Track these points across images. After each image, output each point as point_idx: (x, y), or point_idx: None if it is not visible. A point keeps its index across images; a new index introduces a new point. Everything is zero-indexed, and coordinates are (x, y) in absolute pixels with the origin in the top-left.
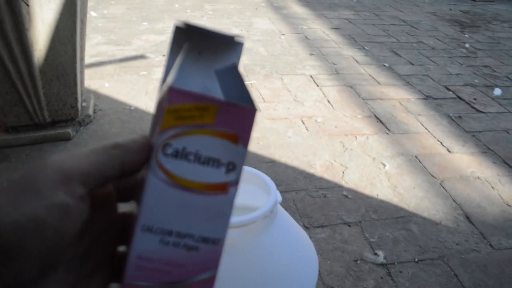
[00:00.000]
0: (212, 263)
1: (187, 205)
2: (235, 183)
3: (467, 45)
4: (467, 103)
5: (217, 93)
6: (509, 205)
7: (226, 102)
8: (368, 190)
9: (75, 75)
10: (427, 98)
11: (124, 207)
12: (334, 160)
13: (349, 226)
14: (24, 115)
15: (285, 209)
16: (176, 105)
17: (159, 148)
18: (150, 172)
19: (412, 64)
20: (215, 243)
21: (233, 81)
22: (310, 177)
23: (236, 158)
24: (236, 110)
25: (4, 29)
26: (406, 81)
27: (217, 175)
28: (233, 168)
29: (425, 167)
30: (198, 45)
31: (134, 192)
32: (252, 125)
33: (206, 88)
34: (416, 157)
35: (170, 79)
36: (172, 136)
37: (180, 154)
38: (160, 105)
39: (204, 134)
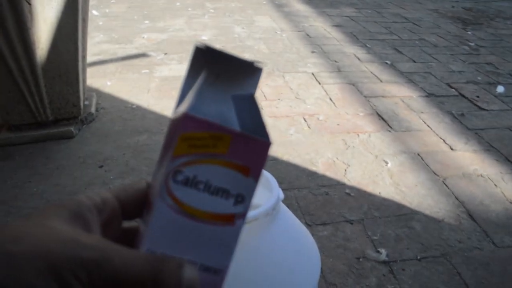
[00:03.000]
0: None
1: (192, 234)
2: (243, 215)
3: (471, 43)
4: (469, 100)
5: (233, 120)
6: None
7: (240, 134)
8: (370, 188)
9: (77, 74)
10: (429, 95)
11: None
12: (336, 158)
13: (351, 224)
14: (27, 113)
15: (287, 207)
16: (190, 132)
17: (170, 174)
18: (158, 197)
19: (414, 62)
20: (217, 273)
21: (250, 110)
22: (312, 175)
23: (246, 191)
24: (250, 142)
25: (6, 27)
26: (408, 78)
27: (225, 206)
28: (242, 200)
29: (427, 165)
30: (217, 69)
31: (140, 210)
32: (266, 158)
33: (222, 115)
34: (418, 154)
35: (186, 105)
36: (184, 164)
37: (190, 182)
38: (174, 128)
39: (216, 164)
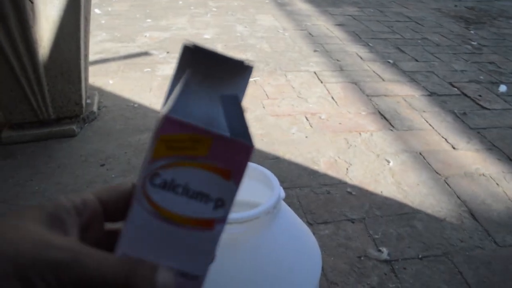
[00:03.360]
0: None
1: (169, 238)
2: (223, 220)
3: (474, 42)
4: (472, 99)
5: (220, 121)
6: None
7: (221, 136)
8: (372, 187)
9: (79, 72)
10: (431, 94)
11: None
12: (338, 157)
13: (352, 222)
14: (29, 112)
15: (289, 206)
16: (169, 134)
17: (147, 177)
18: (135, 200)
19: (417, 61)
20: (194, 279)
21: (234, 112)
22: (314, 174)
23: (226, 195)
24: (231, 145)
25: (8, 26)
26: (411, 77)
27: (204, 211)
28: (222, 204)
29: (429, 164)
30: (206, 68)
31: (124, 211)
32: (247, 162)
33: (209, 116)
34: (420, 153)
35: (167, 106)
36: (162, 166)
37: (168, 186)
38: (155, 130)
39: (196, 167)
